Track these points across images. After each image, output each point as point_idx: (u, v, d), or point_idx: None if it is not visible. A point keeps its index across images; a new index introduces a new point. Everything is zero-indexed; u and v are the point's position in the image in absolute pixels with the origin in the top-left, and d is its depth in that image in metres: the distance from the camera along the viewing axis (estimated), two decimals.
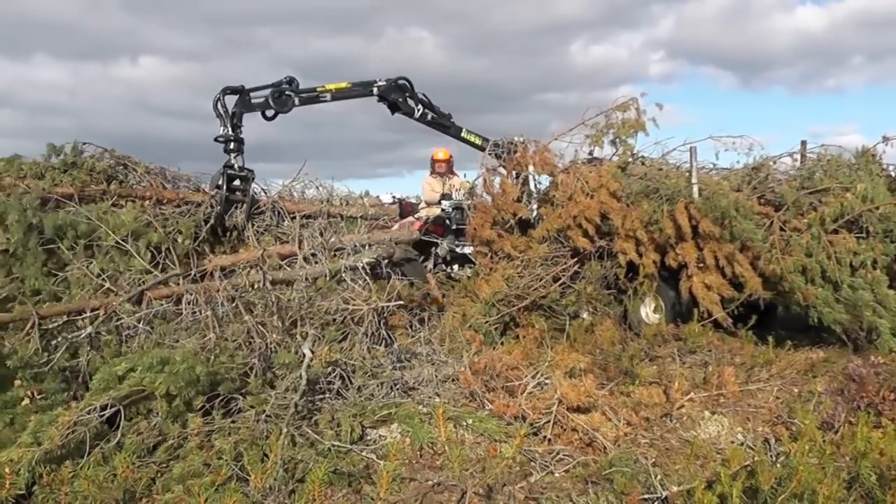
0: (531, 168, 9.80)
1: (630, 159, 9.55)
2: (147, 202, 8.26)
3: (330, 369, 5.95)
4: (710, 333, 7.79)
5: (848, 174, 8.53)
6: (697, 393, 6.20)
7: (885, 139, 8.99)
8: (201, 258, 8.08)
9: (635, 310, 8.72)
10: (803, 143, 9.63)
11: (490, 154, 10.17)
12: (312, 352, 5.92)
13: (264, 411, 5.20)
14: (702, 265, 8.04)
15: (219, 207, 8.35)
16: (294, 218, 8.76)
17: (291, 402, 5.24)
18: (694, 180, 8.57)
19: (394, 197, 13.40)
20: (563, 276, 8.72)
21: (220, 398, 5.37)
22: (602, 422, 5.41)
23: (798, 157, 9.59)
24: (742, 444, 5.37)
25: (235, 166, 8.60)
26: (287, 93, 9.07)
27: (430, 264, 11.64)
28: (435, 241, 11.69)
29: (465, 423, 5.49)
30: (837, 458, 4.51)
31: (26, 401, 5.63)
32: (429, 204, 12.37)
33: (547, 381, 5.89)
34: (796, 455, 4.11)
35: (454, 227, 11.60)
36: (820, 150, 9.38)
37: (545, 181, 9.95)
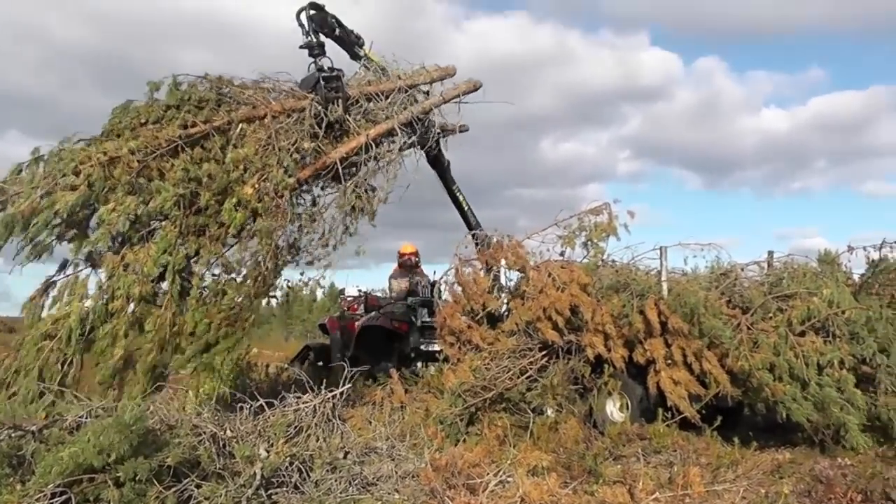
0: (503, 262, 9.83)
1: (601, 262, 9.63)
2: (263, 119, 8.62)
3: (288, 462, 5.82)
4: (675, 433, 7.71)
5: (814, 280, 8.72)
6: (662, 493, 6.05)
7: (850, 248, 9.35)
8: (320, 156, 8.82)
9: (601, 407, 8.66)
10: (770, 252, 9.92)
11: (464, 245, 10.19)
12: (267, 451, 5.84)
13: None
14: (670, 361, 8.06)
15: (320, 107, 8.92)
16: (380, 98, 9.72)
17: (244, 497, 5.18)
18: (664, 278, 8.67)
19: (359, 290, 13.31)
20: (531, 369, 8.64)
21: (175, 489, 5.20)
22: None
23: (765, 264, 9.83)
24: None
25: (325, 67, 9.21)
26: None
27: (393, 360, 11.59)
28: (400, 336, 11.65)
29: None
30: None
31: None
32: (395, 300, 12.32)
33: (509, 479, 5.81)
34: None
35: (420, 323, 11.55)
36: (787, 258, 9.68)
37: (516, 276, 9.98)
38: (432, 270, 12.67)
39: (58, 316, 7.60)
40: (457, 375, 8.51)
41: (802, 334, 7.90)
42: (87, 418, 6.17)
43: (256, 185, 8.03)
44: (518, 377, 8.53)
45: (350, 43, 10.34)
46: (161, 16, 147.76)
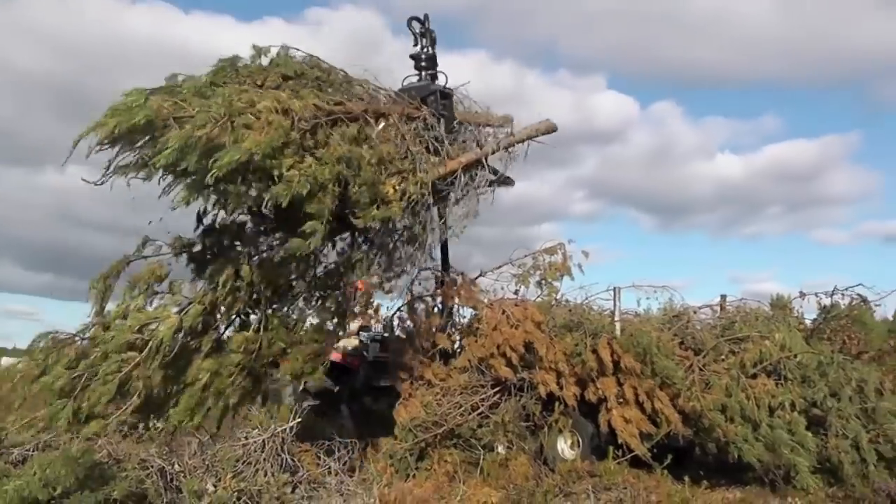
0: (456, 300, 9.80)
1: (555, 302, 9.64)
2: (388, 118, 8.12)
3: (236, 497, 5.72)
4: (625, 471, 7.70)
5: (766, 324, 8.84)
6: None
7: (802, 294, 9.61)
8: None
9: (551, 445, 8.62)
10: (723, 296, 10.02)
11: (418, 282, 10.14)
12: (215, 486, 5.73)
13: None
14: (621, 399, 8.05)
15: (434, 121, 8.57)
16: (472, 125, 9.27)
17: None
18: (617, 318, 8.73)
19: None
20: (482, 405, 8.60)
21: None
22: None
23: (718, 307, 9.92)
24: None
25: (439, 82, 9.07)
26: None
27: (344, 395, 11.46)
28: (352, 371, 11.52)
29: None
30: None
31: None
32: (347, 335, 12.19)
33: None
34: None
35: (371, 359, 11.46)
36: (740, 302, 9.77)
37: (469, 313, 9.95)
38: (385, 307, 12.59)
39: (146, 320, 7.19)
40: (408, 411, 8.44)
41: (754, 377, 8.01)
42: (32, 451, 6.04)
43: (395, 187, 7.59)
44: (469, 413, 8.50)
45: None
46: (119, 44, 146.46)
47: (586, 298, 9.83)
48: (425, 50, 9.12)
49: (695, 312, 9.70)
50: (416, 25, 9.09)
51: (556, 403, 8.48)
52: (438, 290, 10.02)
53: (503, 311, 9.02)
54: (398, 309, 10.12)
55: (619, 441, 7.93)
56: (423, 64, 9.09)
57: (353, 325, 11.98)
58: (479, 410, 8.59)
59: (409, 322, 9.80)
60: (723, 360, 8.40)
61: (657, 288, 9.55)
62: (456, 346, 9.68)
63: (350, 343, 11.91)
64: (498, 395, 8.76)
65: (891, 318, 9.43)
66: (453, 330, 9.85)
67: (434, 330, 9.45)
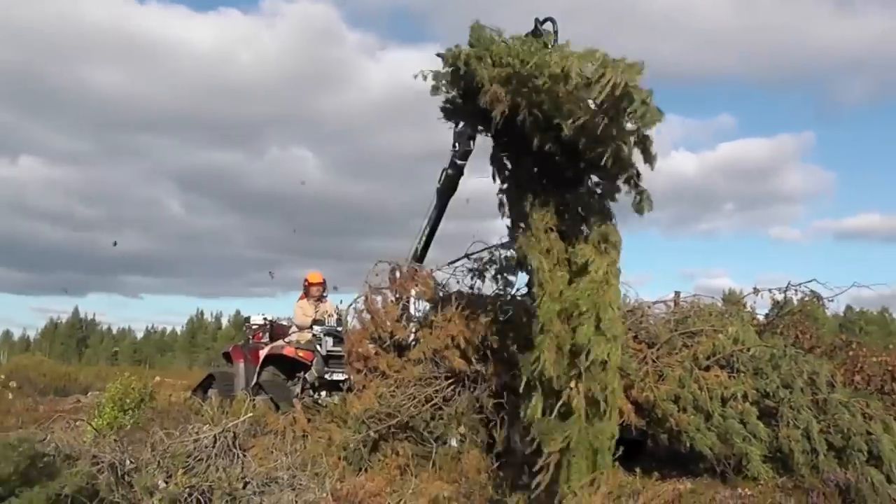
0: (413, 292, 9.77)
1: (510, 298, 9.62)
2: None
3: (187, 493, 5.64)
4: None
5: (719, 319, 8.95)
6: None
7: (756, 290, 9.87)
8: None
9: (504, 438, 8.53)
10: (677, 292, 10.12)
11: (375, 273, 10.09)
12: (166, 482, 5.68)
13: None
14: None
15: None
16: None
17: None
18: None
19: (265, 318, 13.09)
20: (436, 397, 8.58)
21: None
22: None
23: (672, 303, 10.01)
24: None
25: None
26: None
27: (297, 389, 11.43)
28: (305, 365, 11.47)
29: None
30: None
31: None
32: (300, 328, 12.13)
33: None
34: None
35: (325, 353, 11.40)
36: (693, 298, 9.87)
37: (425, 307, 9.92)
38: (339, 300, 12.53)
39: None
40: (362, 402, 8.41)
41: (707, 369, 8.05)
42: None
43: None
44: (423, 405, 8.47)
45: None
46: (75, 32, 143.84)
47: None
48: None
49: (648, 308, 9.76)
50: (550, 25, 8.90)
51: (510, 396, 8.47)
52: (395, 283, 9.98)
53: (458, 306, 9.00)
54: (355, 300, 10.05)
55: None
56: None
57: (307, 319, 11.93)
58: (433, 402, 8.56)
59: (365, 313, 9.71)
60: (676, 353, 8.42)
61: None
62: (411, 338, 9.63)
63: (303, 337, 11.87)
64: (452, 387, 8.73)
65: (842, 314, 9.58)
66: (409, 322, 9.78)
67: (390, 322, 9.41)
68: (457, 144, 10.18)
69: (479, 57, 6.45)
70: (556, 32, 8.13)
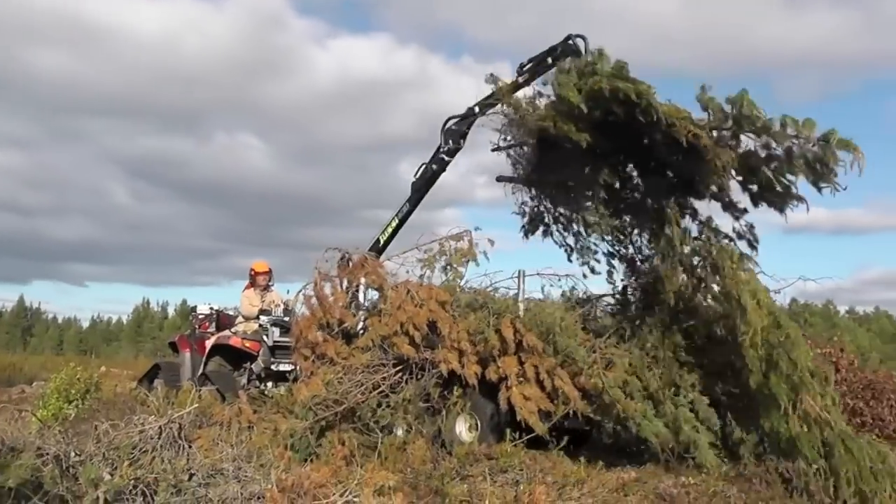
0: (362, 280, 9.76)
1: (459, 288, 9.65)
2: None
3: (132, 485, 5.56)
4: (522, 453, 7.68)
5: None
6: None
7: None
8: None
9: (449, 428, 8.61)
10: (624, 286, 10.12)
11: (325, 259, 10.05)
12: (111, 474, 5.62)
13: None
14: (522, 378, 8.06)
15: None
16: None
17: None
18: (521, 298, 8.88)
19: (211, 308, 12.91)
20: (383, 384, 8.57)
21: None
22: None
23: (619, 297, 10.07)
24: None
25: None
26: None
27: (243, 380, 11.37)
28: (251, 356, 11.38)
29: None
30: None
31: None
32: (246, 318, 12.02)
33: (356, 500, 5.73)
34: None
35: (271, 343, 11.32)
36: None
37: (374, 296, 9.94)
38: (285, 290, 12.46)
39: None
40: (309, 388, 8.37)
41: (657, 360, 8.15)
42: None
43: None
44: (370, 392, 8.46)
45: None
46: (21, 14, 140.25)
47: (491, 285, 9.88)
48: None
49: (597, 300, 9.83)
50: (581, 42, 9.01)
51: (455, 387, 8.50)
52: (345, 270, 9.95)
53: (408, 291, 9.03)
54: (304, 286, 10.00)
55: (519, 418, 7.94)
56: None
57: (254, 309, 11.85)
58: (380, 389, 8.54)
59: (314, 299, 9.69)
60: (625, 343, 8.51)
61: (561, 276, 9.66)
62: (359, 327, 9.61)
63: (249, 327, 11.78)
64: (399, 375, 8.73)
65: (788, 307, 9.73)
66: (358, 310, 9.77)
67: (338, 309, 9.40)
68: (450, 141, 10.45)
69: None
70: (586, 51, 8.79)
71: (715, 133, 7.98)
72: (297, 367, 10.19)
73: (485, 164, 10.75)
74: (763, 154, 7.97)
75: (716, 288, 8.37)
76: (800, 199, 8.05)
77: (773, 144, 7.79)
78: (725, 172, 8.16)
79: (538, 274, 9.64)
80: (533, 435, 7.90)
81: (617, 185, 9.19)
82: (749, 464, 7.43)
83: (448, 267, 9.67)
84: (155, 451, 6.39)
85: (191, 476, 6.13)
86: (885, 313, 70.19)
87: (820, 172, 7.51)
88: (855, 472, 6.86)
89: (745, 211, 8.75)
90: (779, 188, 8.02)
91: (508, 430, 7.92)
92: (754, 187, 8.27)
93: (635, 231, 9.61)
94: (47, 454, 5.71)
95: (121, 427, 6.63)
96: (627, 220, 9.57)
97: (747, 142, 8.03)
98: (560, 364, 8.01)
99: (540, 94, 9.10)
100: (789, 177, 7.92)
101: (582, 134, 8.12)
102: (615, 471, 7.63)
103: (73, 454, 5.92)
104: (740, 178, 8.31)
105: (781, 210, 8.22)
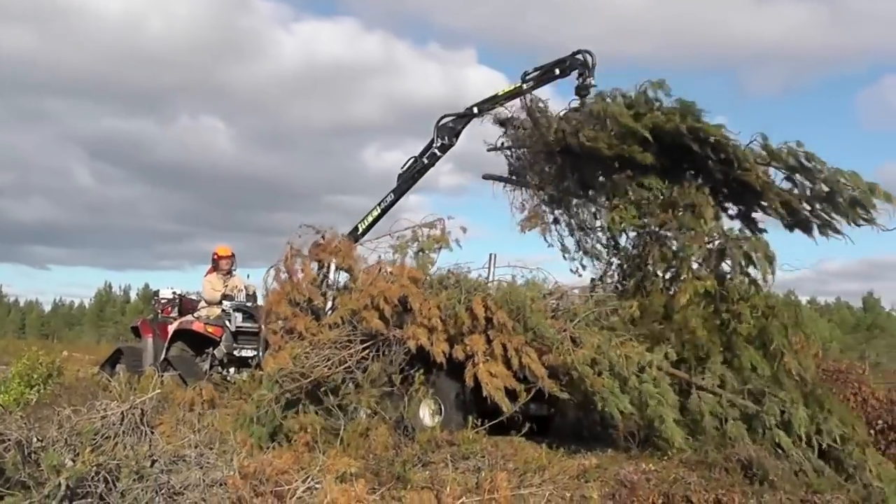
0: (334, 260, 9.80)
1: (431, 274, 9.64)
2: None
3: (94, 472, 5.48)
4: (484, 439, 7.70)
5: None
6: (469, 498, 6.02)
7: None
8: None
9: (412, 413, 8.56)
10: (592, 279, 10.37)
11: (298, 235, 10.09)
12: (73, 460, 5.63)
13: None
14: (489, 356, 8.03)
15: None
16: None
17: None
18: (492, 279, 9.05)
19: (174, 292, 12.81)
20: (350, 360, 8.52)
21: None
22: None
23: (589, 288, 10.08)
24: None
25: None
26: None
27: (206, 365, 11.31)
28: (213, 341, 11.28)
29: None
30: None
31: None
32: (209, 303, 11.91)
33: (318, 486, 5.77)
34: None
35: (234, 328, 11.23)
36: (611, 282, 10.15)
37: (344, 277, 10.03)
38: (246, 274, 12.37)
39: None
40: (276, 360, 8.41)
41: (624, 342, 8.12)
42: None
43: None
44: (337, 366, 8.42)
45: None
46: None
47: (462, 266, 9.85)
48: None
49: (567, 291, 9.86)
50: (589, 58, 9.50)
51: (420, 370, 8.48)
52: (315, 248, 9.99)
53: (380, 269, 9.16)
54: (276, 262, 10.00)
55: (485, 394, 7.93)
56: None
57: (216, 294, 11.77)
58: (346, 365, 8.50)
59: (283, 273, 9.75)
60: (594, 326, 8.46)
61: (532, 269, 9.66)
62: (328, 306, 9.67)
63: (212, 312, 11.67)
64: (367, 351, 8.69)
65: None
66: (328, 289, 9.83)
67: (307, 285, 9.52)
68: (445, 137, 10.56)
69: None
70: (593, 66, 9.45)
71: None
72: (259, 353, 10.19)
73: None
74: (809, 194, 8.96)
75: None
76: (837, 231, 8.99)
77: (825, 188, 8.80)
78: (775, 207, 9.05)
79: (509, 265, 9.71)
80: (497, 420, 7.90)
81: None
82: (710, 451, 7.42)
83: (420, 253, 9.65)
84: (117, 437, 6.39)
85: (153, 462, 6.07)
86: (846, 304, 71.20)
87: (859, 214, 8.69)
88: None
89: (764, 230, 9.54)
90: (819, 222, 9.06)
91: (471, 417, 7.94)
92: (791, 219, 9.15)
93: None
94: (9, 440, 5.67)
95: (83, 413, 6.59)
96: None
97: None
98: (529, 341, 8.00)
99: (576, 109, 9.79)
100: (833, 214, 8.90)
101: (646, 154, 8.91)
102: (576, 457, 7.64)
103: (34, 440, 5.88)
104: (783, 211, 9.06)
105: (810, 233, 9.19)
